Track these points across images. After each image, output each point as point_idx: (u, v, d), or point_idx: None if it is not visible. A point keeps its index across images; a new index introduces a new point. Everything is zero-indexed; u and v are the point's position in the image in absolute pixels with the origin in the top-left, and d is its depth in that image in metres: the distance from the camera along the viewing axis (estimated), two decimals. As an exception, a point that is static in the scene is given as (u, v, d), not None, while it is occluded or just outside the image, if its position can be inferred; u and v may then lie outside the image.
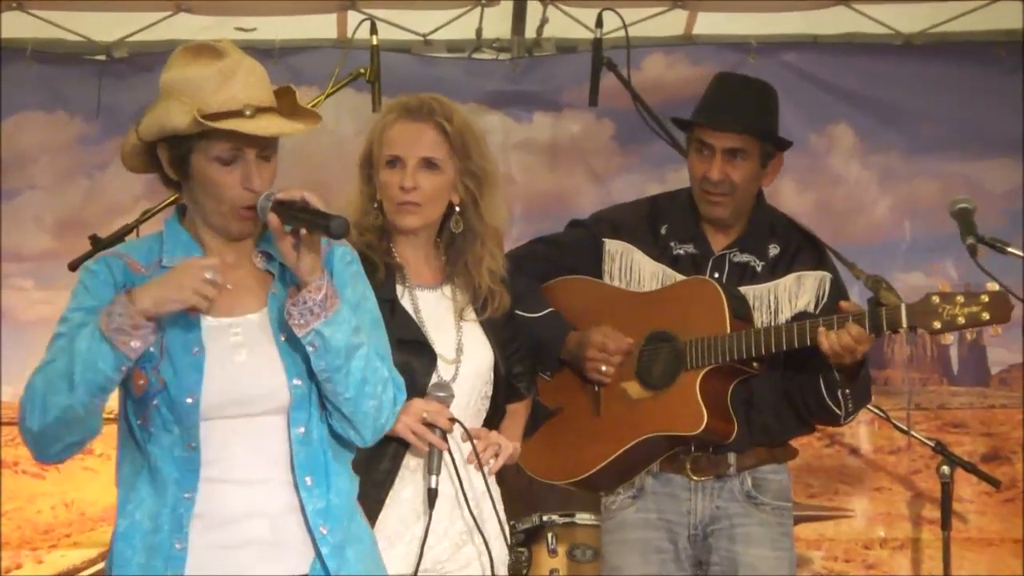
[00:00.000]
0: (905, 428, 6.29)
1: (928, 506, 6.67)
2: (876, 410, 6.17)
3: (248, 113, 3.38)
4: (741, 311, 4.71)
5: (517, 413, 4.51)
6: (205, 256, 3.48)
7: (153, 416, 3.44)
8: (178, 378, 3.42)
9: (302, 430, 3.49)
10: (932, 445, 6.14)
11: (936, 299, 4.47)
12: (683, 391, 4.65)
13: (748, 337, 4.61)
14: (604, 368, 4.77)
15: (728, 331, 4.63)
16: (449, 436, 4.16)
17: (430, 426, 4.13)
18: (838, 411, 4.71)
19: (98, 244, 4.91)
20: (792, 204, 5.06)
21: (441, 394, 4.17)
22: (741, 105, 4.80)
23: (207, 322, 3.46)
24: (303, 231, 3.37)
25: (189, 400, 3.42)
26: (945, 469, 5.96)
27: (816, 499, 6.75)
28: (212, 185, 3.44)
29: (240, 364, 3.46)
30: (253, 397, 3.46)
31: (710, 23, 7.04)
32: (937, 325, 4.45)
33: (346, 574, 3.50)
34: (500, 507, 4.30)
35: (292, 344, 3.47)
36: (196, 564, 3.42)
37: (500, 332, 4.36)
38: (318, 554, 3.48)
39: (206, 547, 3.44)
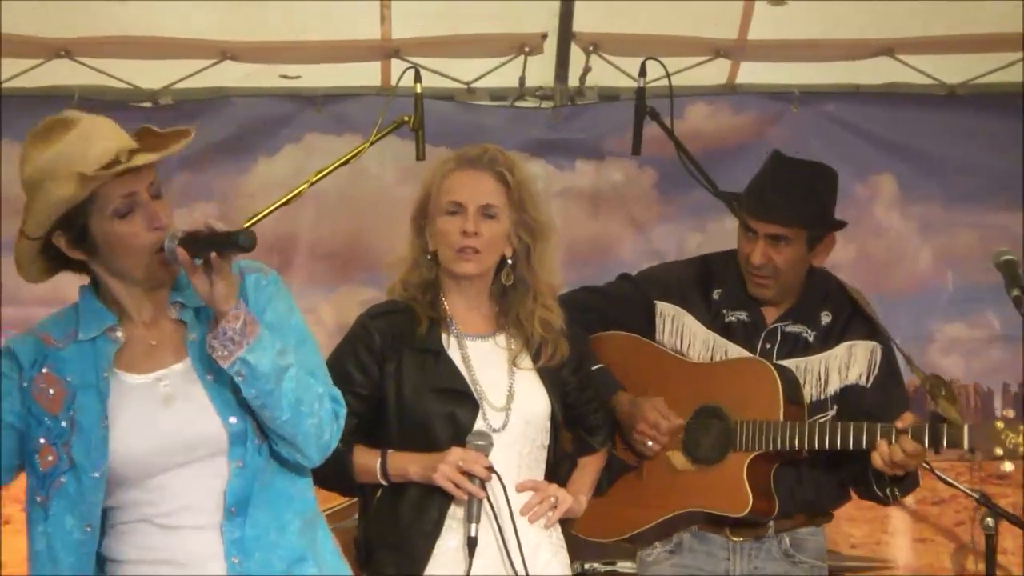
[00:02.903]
0: (949, 479, 6.25)
1: (972, 558, 6.63)
2: (920, 461, 6.13)
3: (124, 159, 3.39)
4: (794, 396, 4.69)
5: (588, 467, 4.52)
6: (119, 323, 3.50)
7: (56, 495, 3.46)
8: (88, 453, 3.42)
9: (240, 464, 3.49)
10: (976, 497, 6.10)
11: (1000, 425, 4.49)
12: (730, 472, 4.65)
13: (802, 429, 4.60)
14: (651, 444, 4.75)
15: (781, 418, 4.62)
16: (489, 486, 4.15)
17: (468, 475, 4.13)
18: (885, 500, 4.73)
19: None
20: (834, 254, 5.05)
21: (480, 443, 4.17)
22: (788, 194, 4.74)
23: (135, 380, 3.48)
24: (214, 256, 3.35)
25: (96, 475, 3.43)
26: (989, 521, 5.91)
27: (858, 550, 6.70)
28: (120, 240, 3.43)
29: (174, 413, 3.47)
30: (193, 443, 3.46)
31: (753, 72, 7.04)
32: (999, 452, 4.48)
33: None
34: (560, 561, 4.31)
35: (219, 383, 3.48)
36: None
37: (561, 380, 4.37)
38: None
39: None
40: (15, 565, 6.36)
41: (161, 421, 3.46)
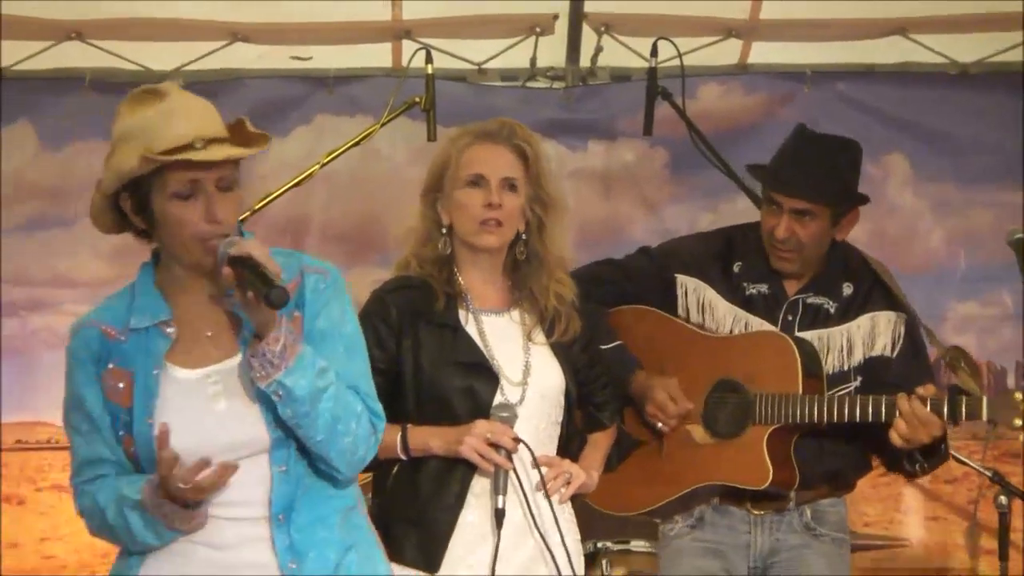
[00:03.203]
0: (962, 458, 6.25)
1: (985, 536, 6.63)
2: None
3: (199, 146, 3.38)
4: (813, 368, 4.69)
5: (598, 443, 4.51)
6: (172, 316, 3.52)
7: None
8: (144, 443, 3.47)
9: (283, 468, 3.51)
10: (989, 475, 6.10)
11: (1019, 396, 4.48)
12: (750, 445, 4.65)
13: (820, 403, 4.60)
14: (660, 425, 4.76)
15: (799, 390, 4.62)
16: (516, 459, 4.16)
17: (495, 446, 4.14)
18: (912, 473, 4.72)
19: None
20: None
21: (504, 414, 4.17)
22: (812, 168, 4.72)
23: (185, 375, 3.50)
24: (251, 295, 3.37)
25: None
26: (1003, 499, 5.91)
27: (872, 528, 6.71)
28: (175, 222, 3.43)
29: (220, 414, 3.48)
30: (236, 444, 3.47)
31: (765, 52, 7.04)
32: (1018, 422, 4.47)
33: None
34: (572, 537, 4.30)
35: None
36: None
37: (572, 356, 4.37)
38: None
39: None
40: (28, 544, 6.39)
41: (206, 420, 3.47)
